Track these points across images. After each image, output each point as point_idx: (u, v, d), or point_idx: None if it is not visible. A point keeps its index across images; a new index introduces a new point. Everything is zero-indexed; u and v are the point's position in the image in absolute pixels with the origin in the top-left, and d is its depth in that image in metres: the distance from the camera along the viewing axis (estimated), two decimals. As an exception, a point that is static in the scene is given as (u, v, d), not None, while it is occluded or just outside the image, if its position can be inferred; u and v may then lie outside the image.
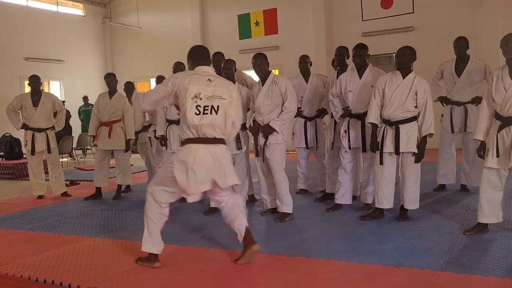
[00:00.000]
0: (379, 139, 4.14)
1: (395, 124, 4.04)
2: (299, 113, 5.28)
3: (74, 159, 10.92)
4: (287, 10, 11.73)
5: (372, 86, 4.33)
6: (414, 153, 4.05)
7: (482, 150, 3.66)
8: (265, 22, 12.12)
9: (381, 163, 4.12)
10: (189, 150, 3.10)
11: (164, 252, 3.28)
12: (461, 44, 5.13)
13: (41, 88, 6.29)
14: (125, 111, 5.92)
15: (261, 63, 4.42)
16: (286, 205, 4.42)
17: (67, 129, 10.48)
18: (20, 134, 7.02)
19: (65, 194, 6.31)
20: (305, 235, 3.95)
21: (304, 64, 5.41)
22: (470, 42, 5.21)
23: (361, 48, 4.52)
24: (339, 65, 5.10)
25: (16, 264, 3.46)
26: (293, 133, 5.52)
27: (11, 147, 9.53)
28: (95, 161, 6.15)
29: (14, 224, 4.86)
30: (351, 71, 4.66)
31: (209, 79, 3.17)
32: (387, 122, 4.10)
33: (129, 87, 6.67)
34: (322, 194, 5.33)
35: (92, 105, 6.44)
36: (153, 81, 14.24)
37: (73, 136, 10.65)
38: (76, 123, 12.29)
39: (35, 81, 6.08)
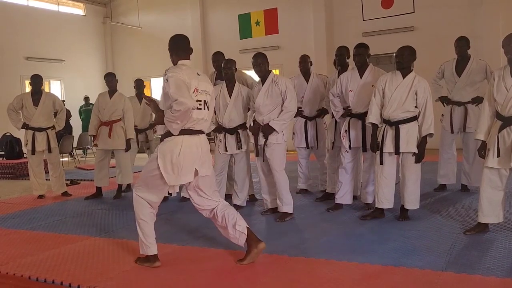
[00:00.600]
0: (379, 139, 4.14)
1: (395, 124, 4.04)
2: (299, 113, 5.28)
3: (75, 158, 10.93)
4: (287, 10, 11.73)
5: (372, 85, 4.33)
6: (414, 153, 4.04)
7: (483, 150, 3.66)
8: (266, 22, 12.12)
9: (381, 163, 4.12)
10: (175, 141, 3.08)
11: (164, 252, 3.28)
12: (462, 44, 5.12)
13: (41, 88, 6.29)
14: (125, 111, 5.92)
15: (261, 63, 4.42)
16: (287, 205, 4.42)
17: (68, 128, 10.48)
18: (20, 134, 7.02)
19: (65, 193, 6.31)
20: (305, 235, 3.95)
21: (305, 64, 5.41)
22: (471, 42, 5.20)
23: (361, 47, 4.52)
24: (340, 65, 5.10)
25: (17, 264, 3.46)
26: (294, 133, 5.52)
27: (12, 146, 9.54)
28: (95, 161, 6.15)
29: (14, 223, 4.86)
30: (352, 71, 4.66)
31: (197, 73, 3.19)
32: (387, 122, 4.10)
33: (139, 84, 6.56)
34: (322, 194, 5.33)
35: (93, 105, 6.43)
36: (153, 81, 14.28)
37: (73, 136, 10.66)
38: (76, 123, 12.30)
39: (36, 81, 6.08)
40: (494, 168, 3.53)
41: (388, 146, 4.07)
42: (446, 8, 9.99)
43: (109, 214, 5.10)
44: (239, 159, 4.88)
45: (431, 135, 4.01)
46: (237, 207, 4.87)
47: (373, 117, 4.15)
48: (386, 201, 4.17)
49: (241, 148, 4.82)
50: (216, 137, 4.94)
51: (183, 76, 3.05)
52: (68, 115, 9.34)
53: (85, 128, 11.84)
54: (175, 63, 3.26)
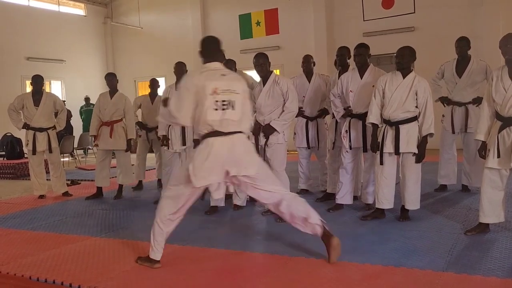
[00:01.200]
0: (379, 139, 4.14)
1: (395, 125, 4.03)
2: (300, 113, 5.28)
3: (75, 158, 10.93)
4: (288, 10, 11.74)
5: (373, 86, 4.32)
6: (414, 153, 4.04)
7: (483, 150, 3.66)
8: (266, 22, 12.12)
9: (382, 163, 4.11)
10: (206, 143, 3.04)
11: (164, 252, 3.27)
12: (462, 44, 5.12)
13: (42, 88, 6.30)
14: (126, 111, 5.93)
15: (262, 63, 4.42)
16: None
17: (68, 129, 10.49)
18: (21, 134, 7.03)
19: (66, 193, 6.32)
20: (305, 235, 3.92)
21: (308, 64, 5.41)
22: (471, 42, 5.19)
23: (362, 48, 4.52)
24: (341, 65, 5.10)
25: (17, 264, 3.46)
26: (295, 133, 5.51)
27: (12, 146, 9.55)
28: (96, 161, 6.16)
29: (15, 223, 4.86)
30: (352, 71, 4.66)
31: (222, 74, 3.13)
32: (387, 122, 4.10)
33: (154, 83, 6.63)
34: (323, 194, 5.32)
35: (94, 105, 6.47)
36: (154, 81, 14.29)
37: (74, 136, 10.67)
38: (77, 123, 12.31)
39: (37, 81, 6.09)
40: (495, 168, 3.53)
41: (388, 146, 4.07)
42: (447, 8, 9.99)
43: (109, 214, 5.10)
44: None
45: (431, 135, 4.01)
46: (237, 207, 4.89)
47: (373, 117, 4.15)
48: (386, 201, 4.17)
49: None
50: None
51: (197, 78, 3.04)
52: (69, 115, 9.37)
53: (85, 128, 11.85)
54: (204, 64, 3.24)
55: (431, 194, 5.22)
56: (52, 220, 4.95)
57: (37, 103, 6.04)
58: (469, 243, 3.48)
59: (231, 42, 11.94)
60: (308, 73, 5.43)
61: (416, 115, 4.04)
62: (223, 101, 3.02)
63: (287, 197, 3.27)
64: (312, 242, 3.73)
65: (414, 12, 10.41)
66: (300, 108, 5.08)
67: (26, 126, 6.09)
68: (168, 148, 5.45)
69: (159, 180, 6.51)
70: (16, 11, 12.44)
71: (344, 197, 4.62)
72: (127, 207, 5.48)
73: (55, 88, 13.44)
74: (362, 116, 4.44)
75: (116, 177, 6.14)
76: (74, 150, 10.69)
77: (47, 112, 6.11)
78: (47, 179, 6.35)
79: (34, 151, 6.05)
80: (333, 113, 4.94)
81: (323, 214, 4.54)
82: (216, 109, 3.01)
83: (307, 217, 3.21)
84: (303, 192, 5.59)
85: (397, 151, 4.05)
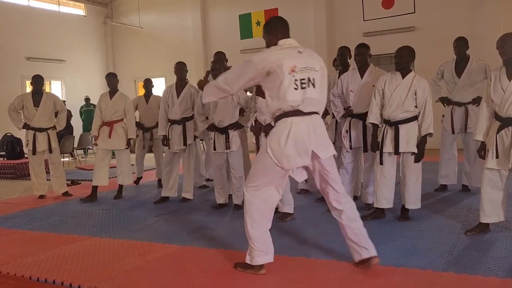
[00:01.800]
0: (379, 139, 4.14)
1: (395, 124, 4.03)
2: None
3: (75, 158, 10.93)
4: (288, 10, 11.72)
5: (373, 86, 4.32)
6: (414, 152, 4.04)
7: (482, 150, 3.66)
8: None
9: (381, 163, 4.11)
10: (284, 124, 2.85)
11: (164, 252, 3.27)
12: (460, 44, 5.12)
13: (42, 88, 6.30)
14: (126, 111, 5.93)
15: None
16: (287, 205, 4.42)
17: (68, 129, 10.49)
18: (21, 134, 7.04)
19: (66, 193, 6.32)
20: (306, 235, 3.94)
21: None
22: (472, 42, 5.19)
23: (362, 47, 4.52)
24: (341, 65, 5.10)
25: (17, 264, 3.46)
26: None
27: (13, 146, 9.55)
28: (96, 160, 6.16)
29: (15, 223, 4.86)
30: (353, 71, 4.66)
31: (298, 51, 2.97)
32: (387, 122, 4.10)
33: (148, 84, 6.86)
34: (323, 194, 5.32)
35: (94, 105, 6.50)
36: (154, 81, 14.26)
37: (74, 136, 10.66)
38: (77, 123, 12.30)
39: (38, 81, 6.09)
40: (494, 168, 3.53)
41: (388, 146, 4.07)
42: (447, 8, 9.99)
43: (109, 214, 5.10)
44: (233, 158, 4.89)
45: (430, 134, 4.01)
46: (237, 207, 4.88)
47: (373, 118, 4.15)
48: (384, 201, 4.17)
49: (229, 148, 4.84)
50: (208, 135, 5.06)
51: (273, 56, 2.87)
52: (69, 115, 9.37)
53: (85, 128, 11.86)
54: (275, 44, 3.04)
55: (431, 194, 5.22)
56: (52, 220, 4.95)
57: (37, 103, 6.04)
58: (469, 243, 3.47)
59: (231, 42, 11.97)
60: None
61: (416, 115, 4.04)
62: (302, 79, 2.85)
63: (348, 208, 3.04)
64: (313, 242, 3.73)
65: (414, 12, 10.41)
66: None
67: (26, 126, 6.09)
68: (169, 148, 5.46)
69: (159, 180, 6.55)
70: (16, 11, 12.44)
71: (344, 197, 4.61)
72: (127, 207, 5.48)
73: (55, 88, 13.44)
74: (363, 116, 4.44)
75: (116, 177, 6.14)
76: (74, 150, 10.69)
77: (47, 112, 6.11)
78: (47, 179, 6.35)
79: (34, 151, 6.06)
80: (333, 113, 4.94)
81: (323, 214, 4.58)
82: (296, 88, 2.83)
83: (360, 245, 3.00)
84: (303, 192, 5.60)
85: (396, 151, 4.05)
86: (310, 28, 11.46)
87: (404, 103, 4.00)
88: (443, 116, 5.32)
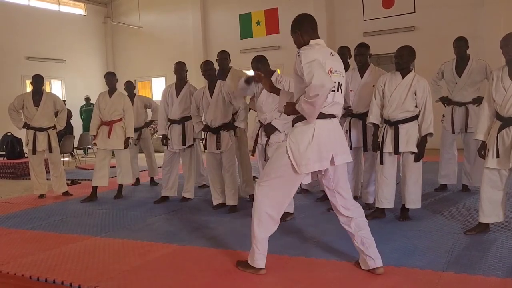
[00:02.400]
0: (379, 139, 4.14)
1: (395, 124, 4.04)
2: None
3: (75, 158, 10.93)
4: (288, 10, 11.71)
5: (373, 85, 4.32)
6: (414, 152, 4.04)
7: (483, 150, 3.65)
8: (267, 22, 12.12)
9: (382, 163, 4.11)
10: (307, 126, 2.78)
11: (164, 252, 3.27)
12: (460, 44, 5.12)
13: (42, 88, 6.30)
14: (125, 110, 5.92)
15: (261, 67, 4.40)
16: (287, 205, 4.41)
17: (68, 128, 10.49)
18: (21, 134, 7.04)
19: (66, 193, 6.32)
20: (306, 234, 3.94)
21: None
22: (472, 42, 5.19)
23: (362, 47, 4.53)
24: (341, 64, 5.11)
25: (17, 263, 3.46)
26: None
27: (13, 146, 9.55)
28: (96, 160, 6.15)
29: (15, 223, 4.86)
30: (353, 71, 4.66)
31: (331, 53, 2.90)
32: (387, 122, 4.10)
33: (129, 86, 6.88)
34: (323, 194, 5.31)
35: (94, 105, 6.50)
36: (154, 81, 14.31)
37: (74, 136, 10.67)
38: (77, 123, 12.31)
39: (38, 81, 6.09)
40: (494, 168, 3.53)
41: (388, 146, 4.07)
42: (447, 8, 9.98)
43: (109, 214, 5.10)
44: (225, 159, 4.90)
45: (430, 134, 4.01)
46: (233, 209, 4.87)
47: (373, 117, 4.15)
48: (385, 201, 4.17)
49: (219, 149, 4.84)
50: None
51: (318, 56, 2.76)
52: (69, 115, 9.36)
53: (85, 128, 11.85)
54: (306, 43, 2.97)
55: (432, 194, 5.22)
56: (52, 219, 4.95)
57: (37, 103, 6.04)
58: (469, 243, 3.47)
59: (231, 42, 11.96)
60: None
61: (416, 115, 4.04)
62: (334, 82, 2.79)
63: (356, 214, 3.01)
64: (312, 242, 3.73)
65: (414, 12, 10.41)
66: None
67: (26, 126, 6.09)
68: (168, 148, 5.46)
69: (152, 179, 6.88)
70: (16, 11, 12.44)
71: (344, 197, 4.61)
72: (127, 207, 5.47)
73: (55, 88, 13.44)
74: (363, 116, 4.44)
75: (115, 177, 6.14)
76: (74, 149, 10.68)
77: (47, 112, 6.11)
78: (47, 179, 6.35)
79: (34, 151, 6.05)
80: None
81: (323, 214, 4.58)
82: (333, 91, 2.77)
83: (367, 253, 2.95)
84: (303, 192, 5.60)
85: (396, 151, 4.05)
86: (310, 28, 11.44)
87: (404, 103, 4.00)
88: (443, 116, 5.33)
